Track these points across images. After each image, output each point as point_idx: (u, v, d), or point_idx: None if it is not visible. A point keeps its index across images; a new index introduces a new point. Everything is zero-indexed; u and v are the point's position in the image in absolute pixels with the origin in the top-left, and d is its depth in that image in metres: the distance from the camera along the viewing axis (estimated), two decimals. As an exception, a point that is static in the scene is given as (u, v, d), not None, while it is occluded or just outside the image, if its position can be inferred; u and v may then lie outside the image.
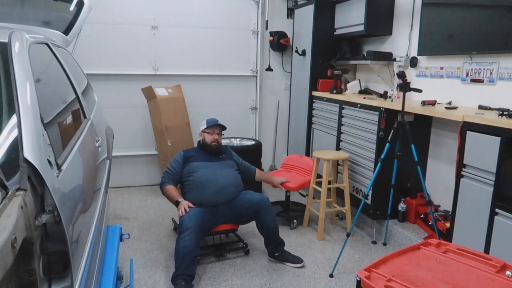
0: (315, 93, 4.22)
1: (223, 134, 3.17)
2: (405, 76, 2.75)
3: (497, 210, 2.18)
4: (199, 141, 3.11)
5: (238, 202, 2.83)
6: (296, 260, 2.87)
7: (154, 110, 4.18)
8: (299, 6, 4.47)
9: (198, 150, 3.06)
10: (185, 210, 2.62)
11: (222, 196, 2.79)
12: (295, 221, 3.53)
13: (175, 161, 2.96)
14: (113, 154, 2.82)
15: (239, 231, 3.13)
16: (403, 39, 3.56)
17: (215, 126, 3.03)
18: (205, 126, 3.04)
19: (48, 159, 1.06)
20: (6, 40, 1.28)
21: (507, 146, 2.11)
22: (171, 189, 2.82)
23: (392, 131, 2.75)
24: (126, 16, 4.22)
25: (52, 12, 2.59)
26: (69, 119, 1.69)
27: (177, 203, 2.72)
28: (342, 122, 3.71)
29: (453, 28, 2.93)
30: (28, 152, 0.95)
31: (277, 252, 2.88)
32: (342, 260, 2.88)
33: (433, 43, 3.13)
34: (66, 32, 2.59)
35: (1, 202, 0.80)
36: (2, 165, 0.91)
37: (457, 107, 2.81)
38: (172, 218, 3.49)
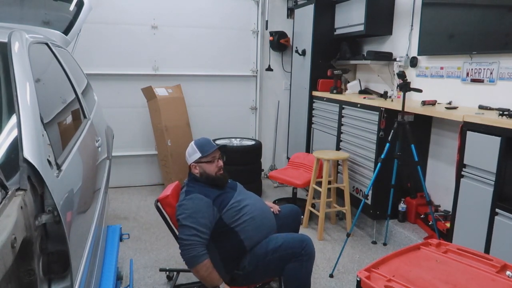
0: (315, 93, 4.22)
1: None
2: (405, 76, 2.75)
3: (497, 210, 2.18)
4: (192, 178, 2.21)
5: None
6: None
7: (154, 110, 4.18)
8: (299, 6, 4.47)
9: (205, 188, 2.14)
10: None
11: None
12: (302, 216, 3.55)
13: (205, 214, 2.00)
14: (113, 154, 2.82)
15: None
16: (403, 39, 3.56)
17: (215, 151, 2.21)
18: (199, 155, 2.16)
19: (48, 159, 1.06)
20: (6, 40, 1.27)
21: (507, 146, 2.11)
22: (210, 266, 1.97)
23: (392, 131, 2.75)
24: (126, 16, 4.22)
25: (52, 12, 2.59)
26: (69, 119, 1.69)
27: None
28: (342, 122, 3.71)
29: (453, 28, 2.93)
30: (28, 152, 0.95)
31: None
32: (342, 260, 2.88)
33: (433, 43, 3.13)
34: (66, 32, 2.59)
35: (1, 202, 0.80)
36: (2, 165, 0.91)
37: (457, 107, 2.81)
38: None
